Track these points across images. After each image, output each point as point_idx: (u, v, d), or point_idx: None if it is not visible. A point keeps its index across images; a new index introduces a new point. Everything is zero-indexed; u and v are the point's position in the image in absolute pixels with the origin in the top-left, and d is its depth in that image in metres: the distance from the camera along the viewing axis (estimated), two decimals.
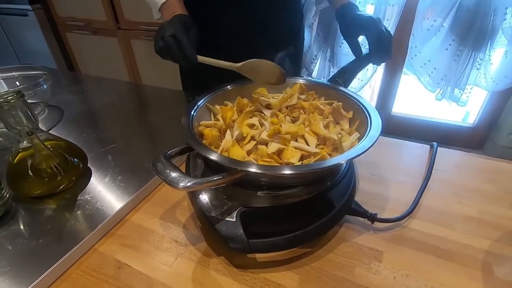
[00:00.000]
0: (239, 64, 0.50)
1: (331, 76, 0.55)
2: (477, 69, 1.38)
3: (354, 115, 0.47)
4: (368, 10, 1.48)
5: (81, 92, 0.88)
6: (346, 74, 0.54)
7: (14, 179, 0.44)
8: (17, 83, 0.71)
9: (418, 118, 1.86)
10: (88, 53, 1.90)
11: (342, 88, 0.51)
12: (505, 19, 1.22)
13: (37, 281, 0.34)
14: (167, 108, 0.78)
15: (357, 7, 0.63)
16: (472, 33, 1.30)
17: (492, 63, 1.35)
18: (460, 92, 1.45)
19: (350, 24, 0.60)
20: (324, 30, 1.54)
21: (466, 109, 1.93)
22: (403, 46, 1.51)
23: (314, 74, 1.74)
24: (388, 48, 0.53)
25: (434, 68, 1.45)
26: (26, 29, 1.85)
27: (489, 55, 1.33)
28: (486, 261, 0.36)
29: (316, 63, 1.68)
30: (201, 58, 0.51)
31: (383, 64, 1.68)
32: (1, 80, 0.72)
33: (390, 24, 1.47)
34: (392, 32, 1.46)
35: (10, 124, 0.41)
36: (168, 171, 0.34)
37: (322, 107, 0.47)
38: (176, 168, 0.35)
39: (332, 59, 1.63)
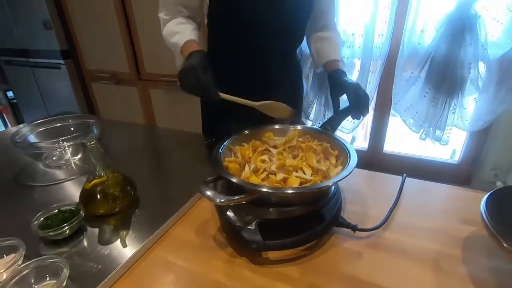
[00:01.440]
0: (258, 103, 0.68)
1: (323, 121, 0.73)
2: (453, 113, 1.57)
3: (339, 153, 0.63)
4: (356, 64, 1.73)
5: (113, 135, 1.05)
6: (333, 122, 0.71)
7: (86, 201, 0.59)
8: (72, 128, 0.88)
9: (409, 156, 2.02)
10: (109, 100, 2.13)
11: (330, 133, 0.68)
12: (470, 72, 1.44)
13: (109, 276, 0.47)
14: (188, 148, 0.95)
15: (345, 73, 0.81)
16: (445, 83, 1.51)
17: (465, 108, 1.55)
18: (441, 132, 1.63)
19: (338, 86, 0.78)
20: (319, 80, 1.77)
21: (453, 147, 2.11)
22: (389, 93, 1.73)
23: (311, 116, 1.95)
24: (365, 107, 0.71)
25: (416, 112, 1.65)
26: (57, 80, 2.11)
27: (462, 101, 1.54)
28: (437, 258, 0.50)
29: (313, 107, 1.89)
30: (224, 96, 0.65)
31: (372, 109, 1.90)
32: (32, 135, 0.87)
33: (375, 76, 1.70)
34: (377, 81, 1.70)
35: (90, 159, 0.57)
36: (207, 191, 0.49)
37: (315, 147, 0.64)
38: (213, 190, 0.50)
39: (326, 104, 1.85)
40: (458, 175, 1.87)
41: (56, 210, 0.57)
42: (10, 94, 2.60)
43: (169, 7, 0.83)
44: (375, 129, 1.97)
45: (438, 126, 1.62)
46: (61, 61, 2.02)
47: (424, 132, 1.68)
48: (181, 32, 0.79)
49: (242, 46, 0.85)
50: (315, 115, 1.94)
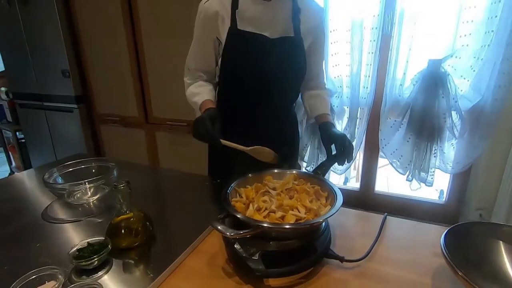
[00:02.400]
0: (249, 148, 0.82)
1: (315, 167, 0.85)
2: (435, 156, 1.72)
3: (328, 194, 0.75)
4: (345, 111, 1.92)
5: (127, 176, 1.16)
6: (323, 168, 0.84)
7: (112, 234, 0.68)
8: (93, 170, 0.99)
9: (399, 196, 2.12)
10: (116, 141, 2.26)
11: (320, 177, 0.80)
12: (445, 121, 1.62)
13: None
14: (195, 188, 1.05)
15: (333, 125, 0.96)
16: (425, 130, 1.68)
17: (444, 152, 1.70)
18: (425, 174, 1.76)
19: (327, 136, 0.92)
20: (312, 126, 1.94)
21: (441, 187, 2.23)
22: (376, 137, 1.89)
23: (306, 158, 2.08)
24: (349, 155, 0.83)
25: (401, 156, 1.79)
26: (68, 122, 2.26)
27: (441, 146, 1.69)
28: (412, 285, 0.59)
29: (307, 150, 2.04)
30: (224, 142, 0.81)
31: (362, 151, 2.06)
32: (59, 176, 0.99)
33: (362, 122, 1.88)
34: (364, 127, 1.87)
35: (119, 199, 0.68)
36: (219, 226, 0.60)
37: (308, 189, 0.75)
38: (223, 225, 0.60)
39: (319, 147, 2.00)
40: (446, 215, 1.97)
41: (87, 243, 0.66)
42: (18, 134, 2.73)
43: (192, 73, 1.02)
44: (366, 171, 2.10)
45: (422, 169, 1.76)
46: (75, 106, 2.18)
47: (410, 174, 1.81)
48: (200, 93, 0.97)
49: (246, 102, 1.00)
50: (309, 157, 2.08)
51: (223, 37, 0.93)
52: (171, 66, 1.83)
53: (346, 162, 0.83)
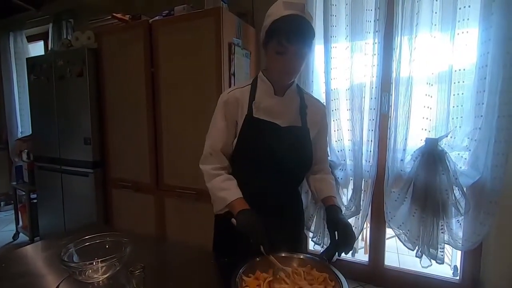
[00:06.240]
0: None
1: (322, 251, 0.88)
2: (442, 232, 1.71)
3: (335, 283, 0.77)
4: (350, 183, 1.98)
5: (137, 252, 1.18)
6: (329, 253, 0.87)
7: None
8: (107, 246, 1.03)
9: (410, 272, 2.03)
10: (125, 206, 2.31)
11: (327, 264, 0.83)
12: (448, 197, 1.65)
13: None
14: (204, 266, 1.07)
15: (340, 210, 1.01)
16: (429, 204, 1.71)
17: (452, 228, 1.70)
18: (435, 251, 1.72)
19: (333, 222, 0.95)
20: None
21: (455, 263, 2.14)
22: (382, 210, 1.90)
23: (312, 228, 2.08)
24: (349, 246, 0.86)
25: (408, 230, 1.79)
26: (82, 185, 2.35)
27: (448, 222, 1.69)
28: None
29: (313, 220, 2.05)
30: (271, 258, 0.83)
31: (369, 223, 2.05)
32: (75, 252, 0.99)
33: (367, 194, 1.92)
34: (369, 199, 1.91)
35: (133, 284, 0.71)
36: None
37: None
38: None
39: (325, 217, 2.00)
40: None
41: None
42: (31, 194, 2.80)
43: (214, 157, 1.06)
44: (374, 243, 2.06)
45: (431, 245, 1.73)
46: (91, 170, 2.30)
47: (419, 250, 1.77)
48: (229, 189, 1.00)
49: (257, 179, 1.08)
50: (315, 226, 2.07)
51: (240, 122, 1.06)
52: (185, 138, 1.98)
53: (345, 252, 0.86)
